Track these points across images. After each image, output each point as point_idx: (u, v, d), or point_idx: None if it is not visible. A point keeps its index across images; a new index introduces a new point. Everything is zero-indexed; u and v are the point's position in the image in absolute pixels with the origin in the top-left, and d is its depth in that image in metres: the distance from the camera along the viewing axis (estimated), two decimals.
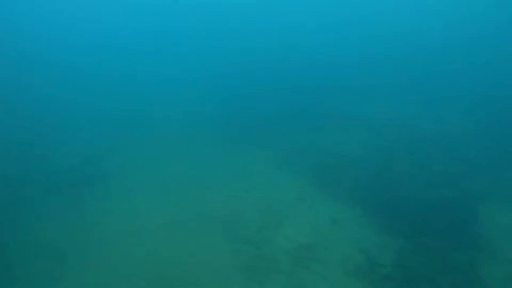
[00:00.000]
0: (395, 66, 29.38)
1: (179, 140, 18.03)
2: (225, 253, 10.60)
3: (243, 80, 27.30)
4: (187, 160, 16.03)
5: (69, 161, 16.42)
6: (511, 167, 14.91)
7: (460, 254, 10.52)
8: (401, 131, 18.47)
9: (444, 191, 13.54)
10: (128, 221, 12.11)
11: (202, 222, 11.98)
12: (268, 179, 14.63)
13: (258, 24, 44.65)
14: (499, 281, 9.63)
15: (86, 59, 33.88)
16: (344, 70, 29.14)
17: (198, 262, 10.20)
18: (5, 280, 9.93)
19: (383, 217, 12.14)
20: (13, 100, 24.06)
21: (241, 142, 17.74)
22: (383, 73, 27.94)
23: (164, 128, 19.53)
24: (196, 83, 27.14)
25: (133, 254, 10.64)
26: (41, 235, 11.67)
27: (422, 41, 35.19)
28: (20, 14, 49.34)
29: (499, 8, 38.10)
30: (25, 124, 20.55)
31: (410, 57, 31.16)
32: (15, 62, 32.04)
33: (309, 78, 27.46)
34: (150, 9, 52.98)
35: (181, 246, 10.87)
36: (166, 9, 53.06)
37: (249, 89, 25.55)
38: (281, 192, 13.70)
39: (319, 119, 20.38)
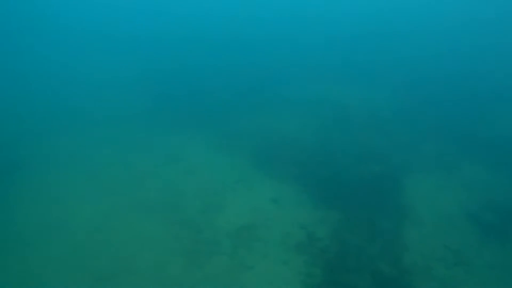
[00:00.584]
0: (329, 49, 30.43)
1: (108, 125, 17.02)
2: (164, 239, 10.38)
3: (179, 63, 26.41)
4: (119, 146, 15.23)
5: None
6: (429, 143, 16.42)
7: (387, 222, 11.46)
8: (335, 111, 19.36)
9: (374, 165, 14.54)
10: (54, 212, 11.19)
11: (139, 209, 11.55)
12: (207, 161, 14.53)
13: (199, 9, 43.18)
14: (418, 241, 10.70)
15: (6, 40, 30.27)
16: (280, 53, 29.51)
17: (136, 250, 9.87)
18: None
19: (320, 193, 12.73)
20: None
21: (177, 125, 17.29)
22: (318, 56, 28.82)
23: (91, 112, 18.27)
24: (128, 64, 25.68)
25: (62, 246, 9.94)
26: None
27: (355, 26, 36.74)
28: None
29: None
30: None
31: (343, 41, 32.44)
32: None
33: (246, 61, 27.38)
34: None
35: (116, 235, 10.38)
36: None
37: (185, 72, 24.83)
38: (221, 174, 13.70)
39: (256, 101, 20.57)
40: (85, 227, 10.67)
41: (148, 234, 10.52)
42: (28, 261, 9.48)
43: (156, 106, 19.39)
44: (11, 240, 10.15)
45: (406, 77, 24.48)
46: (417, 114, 19.13)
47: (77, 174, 13.21)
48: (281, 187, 13.08)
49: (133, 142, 15.61)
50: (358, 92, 21.84)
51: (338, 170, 14.25)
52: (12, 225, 10.72)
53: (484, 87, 22.66)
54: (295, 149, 15.64)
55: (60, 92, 20.49)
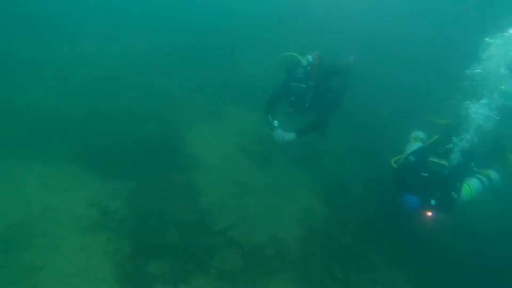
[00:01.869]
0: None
1: None
2: None
3: None
4: None
5: None
6: (200, 94, 17.58)
7: (180, 176, 11.77)
8: (96, 72, 17.72)
9: (151, 125, 14.37)
10: None
11: None
12: None
13: None
14: (211, 184, 11.60)
15: None
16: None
17: None
18: None
19: (102, 166, 11.57)
20: None
21: None
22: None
23: None
24: None
25: None
26: None
27: None
28: None
29: None
30: None
31: None
32: None
33: None
34: None
35: None
36: None
37: None
38: None
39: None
40: None
41: None
42: None
43: None
44: None
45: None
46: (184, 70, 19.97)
47: None
48: (53, 169, 11.04)
49: None
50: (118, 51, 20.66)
51: (117, 137, 13.29)
52: None
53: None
54: (61, 122, 13.42)
55: None
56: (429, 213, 8.78)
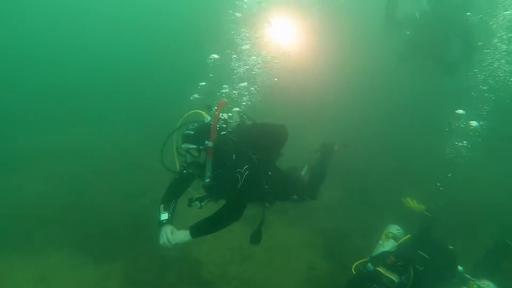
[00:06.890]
0: None
1: None
2: None
3: None
4: None
5: None
6: None
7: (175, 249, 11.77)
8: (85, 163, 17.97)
9: (142, 200, 14.48)
10: None
11: None
12: None
13: None
14: (203, 256, 11.57)
15: None
16: None
17: None
18: None
19: (95, 247, 11.60)
20: None
21: None
22: None
23: None
24: None
25: None
26: None
27: None
28: None
29: None
30: None
31: None
32: None
33: None
34: None
35: None
36: None
37: None
38: None
39: None
40: None
41: None
42: None
43: None
44: None
45: None
46: None
47: None
48: (44, 259, 11.04)
49: None
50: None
51: (107, 216, 13.35)
52: None
53: None
54: (48, 207, 13.49)
55: None
56: None
